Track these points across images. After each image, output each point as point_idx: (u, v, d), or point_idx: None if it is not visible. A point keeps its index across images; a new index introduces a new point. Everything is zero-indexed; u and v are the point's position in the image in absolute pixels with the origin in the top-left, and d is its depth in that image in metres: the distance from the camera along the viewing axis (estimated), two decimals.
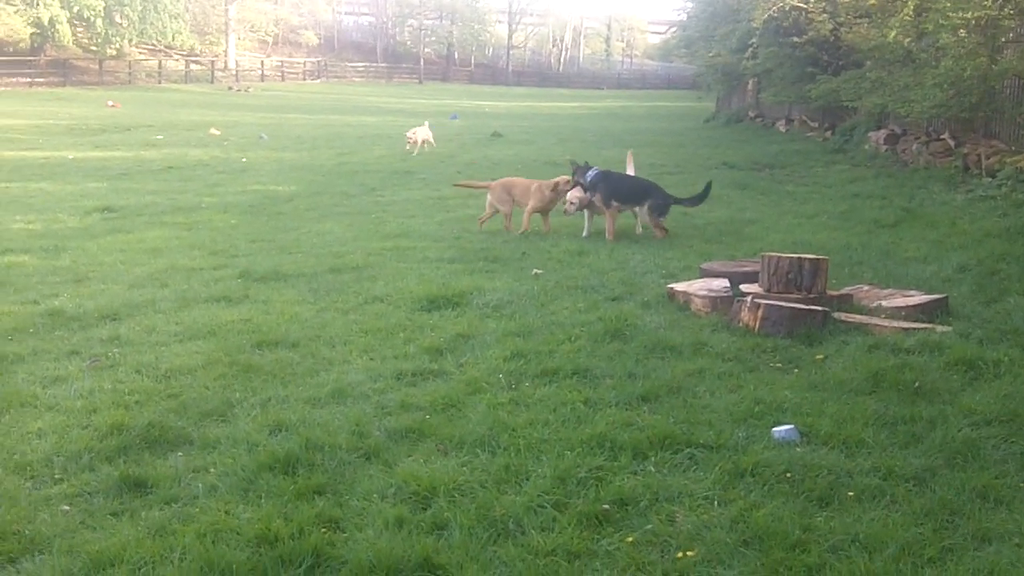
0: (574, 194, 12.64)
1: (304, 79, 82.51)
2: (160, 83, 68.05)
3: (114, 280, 10.54)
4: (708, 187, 13.10)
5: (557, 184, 13.06)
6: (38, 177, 20.28)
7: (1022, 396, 6.29)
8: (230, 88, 67.72)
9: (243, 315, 8.88)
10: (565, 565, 4.35)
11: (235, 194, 17.92)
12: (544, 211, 13.25)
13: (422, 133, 25.61)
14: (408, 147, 25.16)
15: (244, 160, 23.85)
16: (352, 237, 13.15)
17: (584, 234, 12.85)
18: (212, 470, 5.45)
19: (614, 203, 12.71)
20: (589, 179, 12.69)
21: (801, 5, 24.14)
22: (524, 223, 13.17)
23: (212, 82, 72.05)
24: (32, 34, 61.40)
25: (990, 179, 15.40)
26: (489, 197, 13.53)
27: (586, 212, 12.95)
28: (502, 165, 21.67)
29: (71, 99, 50.84)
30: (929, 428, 5.83)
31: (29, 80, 59.41)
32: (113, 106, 45.50)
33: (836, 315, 8.15)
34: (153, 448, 5.80)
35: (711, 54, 34.78)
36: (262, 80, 77.26)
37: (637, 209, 12.98)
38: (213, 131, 31.64)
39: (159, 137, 30.07)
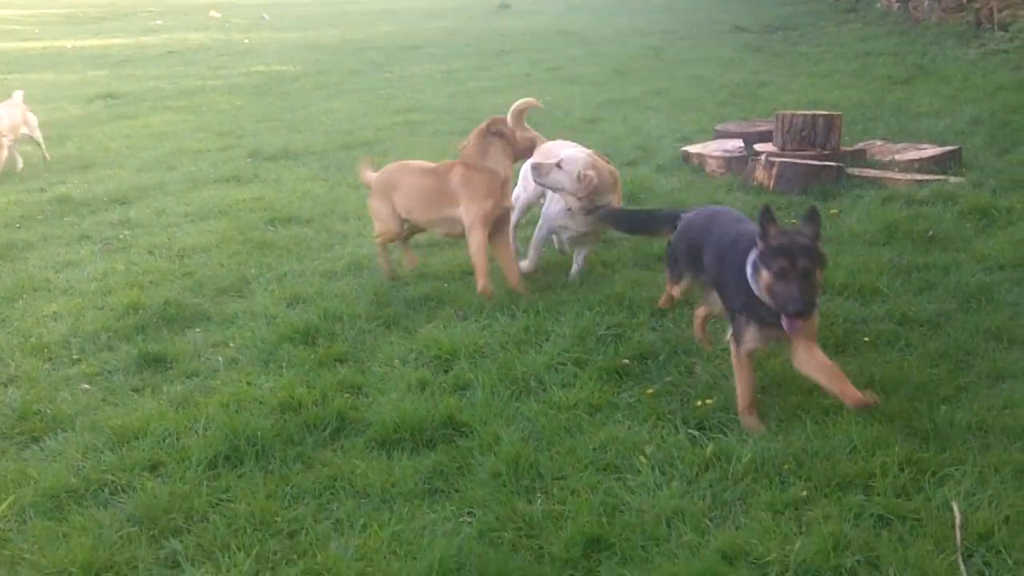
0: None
1: None
2: None
3: (121, 165, 10.51)
4: None
5: None
6: (39, 68, 20.07)
7: None
8: None
9: (254, 194, 8.86)
10: (587, 418, 4.40)
11: (239, 76, 17.74)
12: None
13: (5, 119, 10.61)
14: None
15: (247, 41, 23.54)
16: (361, 113, 13.03)
17: None
18: (231, 344, 5.49)
19: None
20: None
21: None
22: None
23: None
24: None
25: (1002, 33, 15.17)
26: None
27: None
28: (510, 37, 21.36)
29: None
30: (943, 275, 5.85)
31: None
32: None
33: (850, 170, 8.10)
34: (171, 325, 5.84)
35: None
36: None
37: None
38: (213, 13, 31.13)
39: (158, 22, 29.62)
